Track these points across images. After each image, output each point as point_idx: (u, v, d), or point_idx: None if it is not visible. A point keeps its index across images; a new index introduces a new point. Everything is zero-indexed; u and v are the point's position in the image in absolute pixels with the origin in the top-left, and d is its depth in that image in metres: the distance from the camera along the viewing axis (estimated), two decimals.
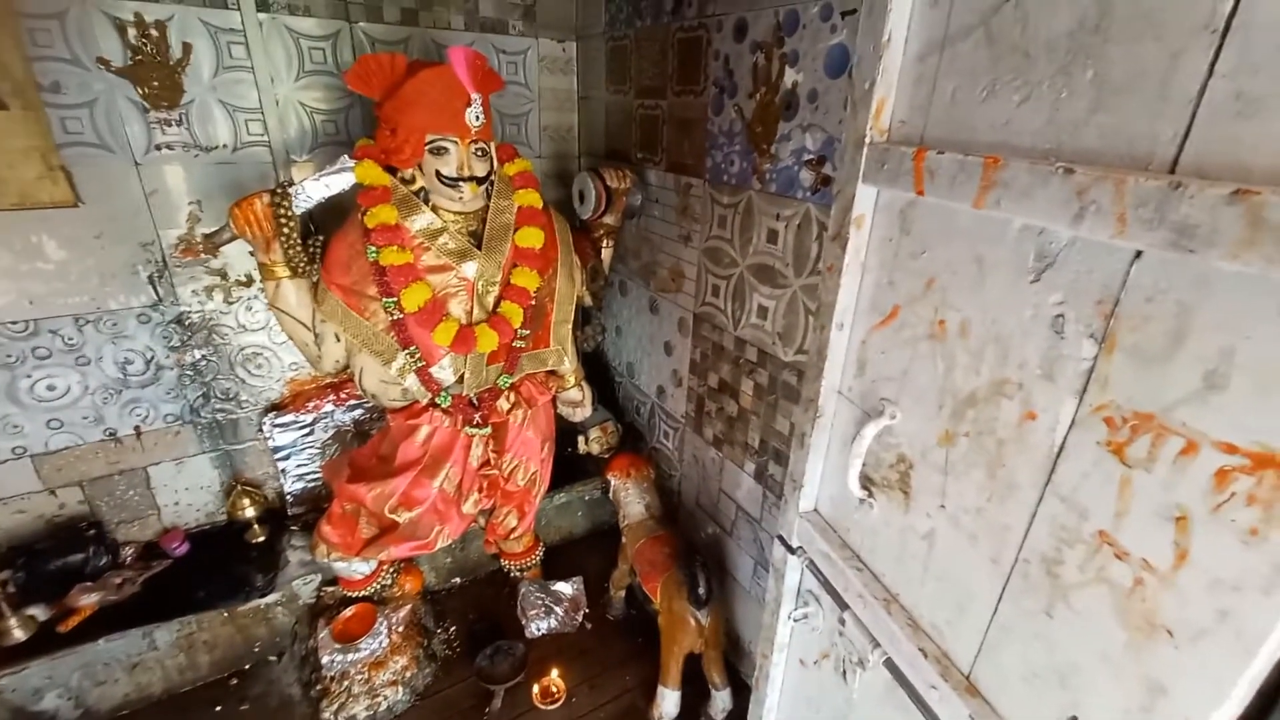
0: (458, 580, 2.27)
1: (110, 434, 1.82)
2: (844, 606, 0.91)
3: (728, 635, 1.86)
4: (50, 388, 1.70)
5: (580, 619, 2.15)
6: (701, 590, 1.64)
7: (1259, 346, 0.44)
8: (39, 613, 1.67)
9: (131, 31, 1.55)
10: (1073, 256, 0.57)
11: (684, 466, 2.12)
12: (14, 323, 1.61)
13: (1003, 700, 0.68)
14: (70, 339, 1.69)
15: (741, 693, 1.87)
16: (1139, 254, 0.51)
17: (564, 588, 2.18)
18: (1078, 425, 0.57)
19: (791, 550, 1.02)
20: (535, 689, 1.89)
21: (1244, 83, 0.44)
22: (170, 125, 1.66)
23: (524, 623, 2.10)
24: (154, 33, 1.58)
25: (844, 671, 0.95)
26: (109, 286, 1.70)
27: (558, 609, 2.14)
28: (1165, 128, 0.49)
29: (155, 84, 1.62)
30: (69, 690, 1.67)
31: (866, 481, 0.86)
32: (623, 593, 2.14)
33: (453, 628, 2.10)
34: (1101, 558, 0.56)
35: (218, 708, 1.81)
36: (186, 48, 1.62)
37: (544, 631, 2.09)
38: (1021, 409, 0.63)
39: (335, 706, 1.76)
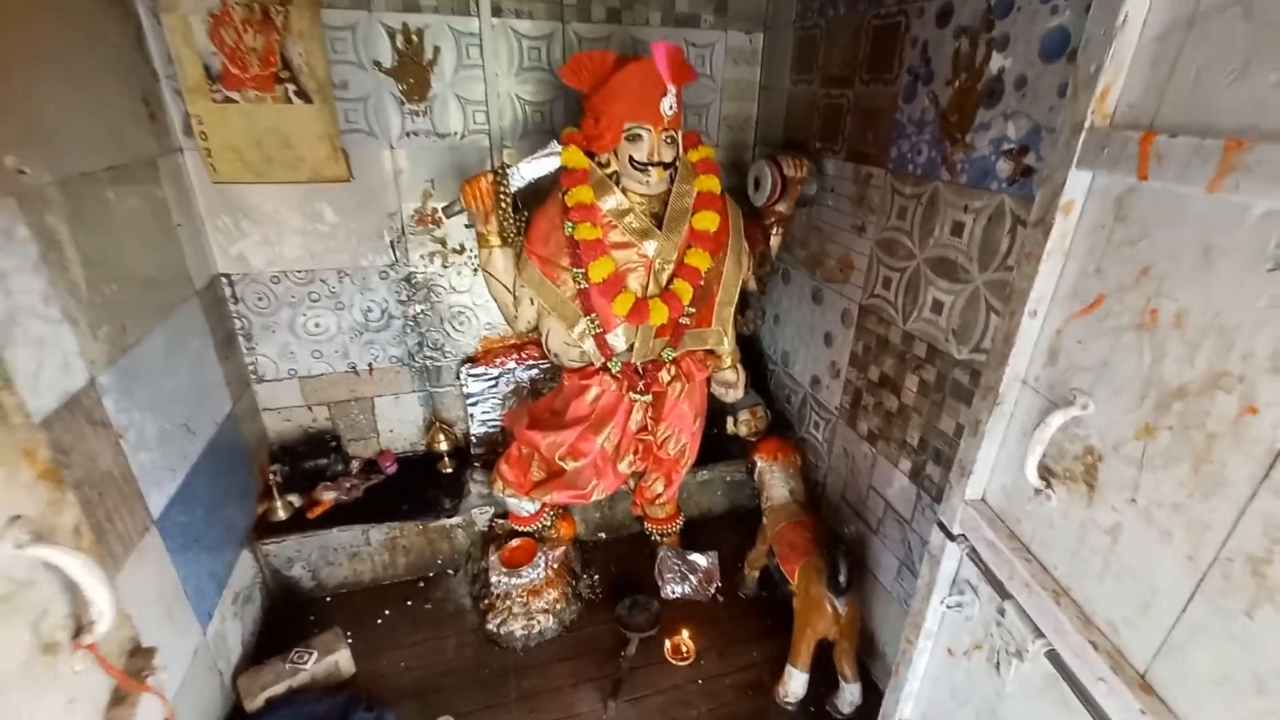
0: (604, 535, 2.49)
1: (351, 367, 2.26)
2: (1006, 596, 0.91)
3: (862, 633, 1.86)
4: (316, 325, 2.16)
5: (713, 591, 2.26)
6: (842, 578, 1.66)
7: None
8: (295, 500, 2.15)
9: (399, 38, 1.91)
10: None
11: (832, 459, 2.13)
12: (299, 271, 2.07)
13: (1182, 701, 0.67)
14: (333, 288, 2.13)
15: (871, 691, 1.86)
16: None
17: (699, 559, 2.30)
18: None
19: (952, 537, 1.03)
20: (667, 644, 2.04)
21: None
22: (418, 116, 2.01)
23: (660, 584, 2.26)
24: (414, 39, 1.93)
25: (998, 663, 0.95)
26: (362, 247, 2.11)
27: (692, 577, 2.27)
28: None
29: (411, 81, 1.97)
30: (309, 564, 2.13)
31: (1045, 472, 0.85)
32: (757, 573, 2.21)
33: (596, 576, 2.31)
34: None
35: (408, 602, 2.19)
36: (436, 50, 1.96)
37: (677, 595, 2.23)
38: (1241, 403, 0.61)
39: (498, 620, 2.05)
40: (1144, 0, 0.70)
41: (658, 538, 2.37)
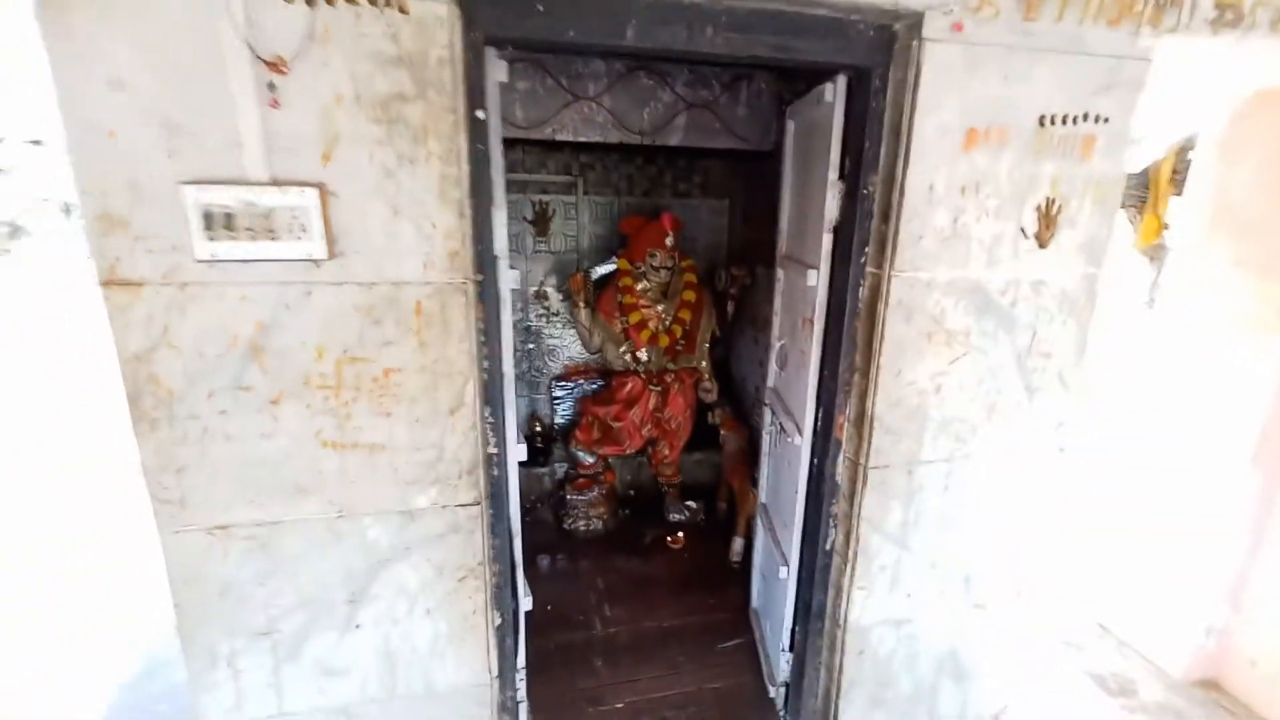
0: (632, 492, 4.30)
1: None
2: (775, 413, 2.73)
3: None
4: None
5: (699, 519, 4.00)
6: (757, 476, 3.43)
7: None
8: None
9: (536, 206, 4.12)
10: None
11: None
12: None
13: (794, 408, 2.48)
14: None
15: None
16: None
17: (692, 502, 4.09)
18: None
19: (764, 404, 2.85)
20: (668, 538, 3.78)
21: None
22: (542, 243, 4.17)
23: (666, 514, 4.02)
24: (544, 206, 4.12)
25: (774, 441, 2.74)
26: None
27: (686, 512, 4.03)
28: None
29: (540, 226, 4.14)
30: None
31: (777, 362, 2.71)
32: (725, 504, 3.96)
33: (627, 511, 4.11)
34: None
35: None
36: (554, 211, 4.15)
37: (677, 519, 3.99)
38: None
39: (570, 521, 3.86)
40: (834, 208, 2.68)
41: (666, 488, 4.17)
